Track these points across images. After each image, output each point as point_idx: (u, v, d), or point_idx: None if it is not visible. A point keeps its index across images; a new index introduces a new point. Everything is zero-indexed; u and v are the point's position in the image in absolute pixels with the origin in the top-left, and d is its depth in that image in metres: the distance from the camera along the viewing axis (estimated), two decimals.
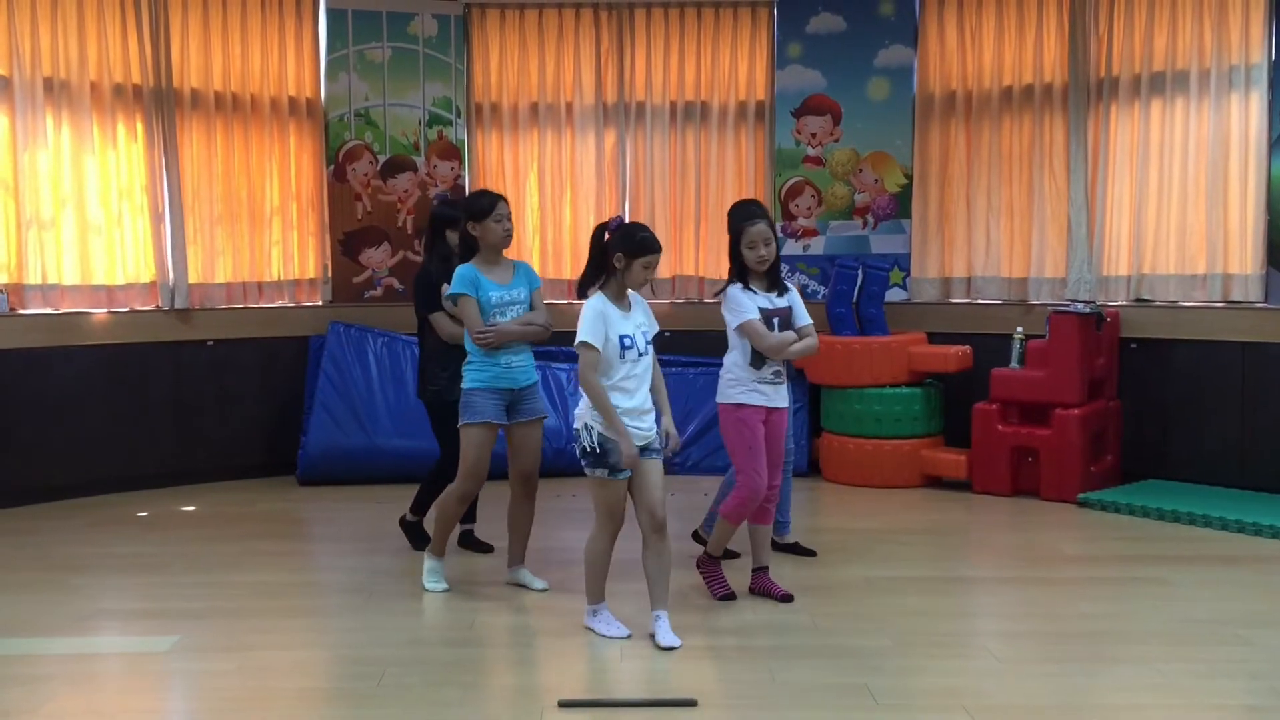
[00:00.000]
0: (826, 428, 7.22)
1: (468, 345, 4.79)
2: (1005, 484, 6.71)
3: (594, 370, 4.20)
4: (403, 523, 5.66)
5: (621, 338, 4.24)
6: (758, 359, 4.63)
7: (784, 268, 5.06)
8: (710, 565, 4.90)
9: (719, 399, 4.73)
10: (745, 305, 4.62)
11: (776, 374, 4.68)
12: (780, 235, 6.99)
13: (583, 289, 4.37)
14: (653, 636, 4.25)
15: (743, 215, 4.71)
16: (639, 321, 4.34)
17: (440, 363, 5.30)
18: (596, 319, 4.23)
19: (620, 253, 4.25)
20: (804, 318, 4.72)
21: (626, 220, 4.36)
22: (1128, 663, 4.09)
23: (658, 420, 4.33)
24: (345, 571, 5.33)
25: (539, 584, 4.95)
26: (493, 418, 4.74)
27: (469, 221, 4.83)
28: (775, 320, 4.64)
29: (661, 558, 4.28)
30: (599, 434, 4.20)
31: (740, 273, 4.69)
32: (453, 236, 5.29)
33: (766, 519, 4.81)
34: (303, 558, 5.86)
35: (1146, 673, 3.97)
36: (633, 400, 4.25)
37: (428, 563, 5.00)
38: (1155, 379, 6.87)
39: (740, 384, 4.65)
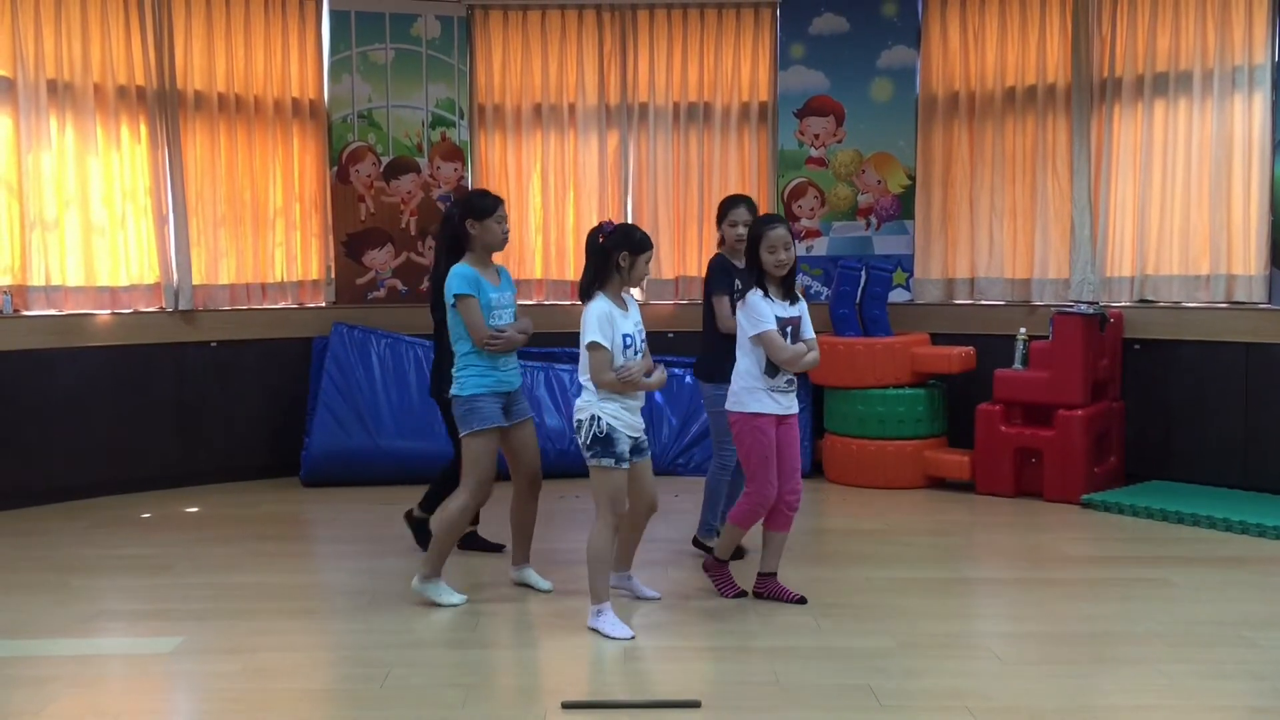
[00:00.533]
0: (829, 429, 7.22)
1: (463, 349, 4.70)
2: (1008, 485, 6.71)
3: (608, 369, 4.33)
4: (409, 517, 5.63)
5: (624, 336, 4.39)
6: (772, 367, 4.59)
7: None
8: (718, 569, 4.90)
9: (731, 407, 4.68)
10: (765, 314, 4.56)
11: (789, 381, 4.66)
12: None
13: (586, 293, 4.45)
14: (632, 593, 4.78)
15: (763, 219, 4.69)
16: (636, 320, 4.49)
17: None
18: (604, 320, 4.35)
19: (625, 251, 4.41)
20: (809, 330, 4.70)
21: (615, 223, 4.49)
22: (1131, 664, 4.08)
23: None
24: (349, 573, 5.34)
25: (544, 584, 4.95)
26: (500, 422, 4.73)
27: (468, 219, 4.78)
28: (789, 329, 4.61)
29: (640, 532, 4.77)
30: (606, 423, 4.34)
31: (760, 277, 4.61)
32: None
33: (786, 526, 4.78)
34: (306, 559, 5.86)
35: (1150, 674, 3.97)
36: (631, 397, 4.42)
37: (431, 587, 4.76)
38: (1159, 380, 6.86)
39: (754, 392, 4.61)
